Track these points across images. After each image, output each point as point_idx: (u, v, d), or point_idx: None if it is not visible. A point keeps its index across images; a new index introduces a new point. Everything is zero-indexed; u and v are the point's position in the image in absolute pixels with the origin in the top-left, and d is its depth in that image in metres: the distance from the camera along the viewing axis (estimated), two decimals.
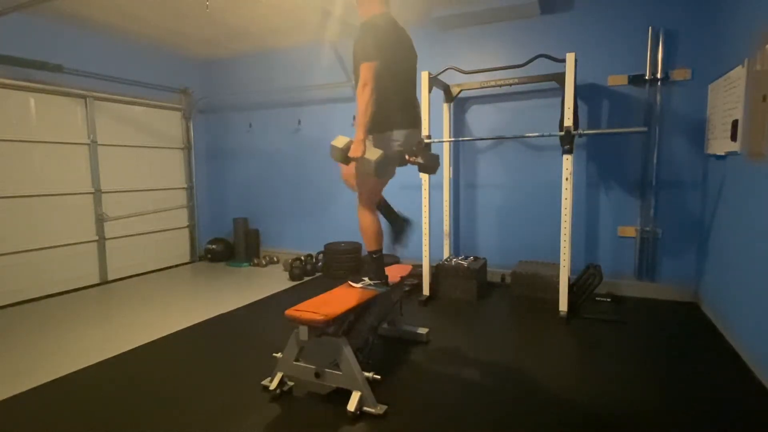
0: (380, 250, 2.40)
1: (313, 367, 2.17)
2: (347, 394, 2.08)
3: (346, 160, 2.18)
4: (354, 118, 4.93)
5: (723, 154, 2.98)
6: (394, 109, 2.22)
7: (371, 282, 2.44)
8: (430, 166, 2.43)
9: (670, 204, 3.68)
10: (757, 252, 2.39)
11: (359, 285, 2.43)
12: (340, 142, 2.19)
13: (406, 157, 2.31)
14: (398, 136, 2.24)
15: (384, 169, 2.16)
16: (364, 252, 4.81)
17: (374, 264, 2.44)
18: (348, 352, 2.10)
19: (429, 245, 3.82)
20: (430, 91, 3.76)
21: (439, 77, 3.91)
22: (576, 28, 3.85)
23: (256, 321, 3.47)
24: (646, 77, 3.60)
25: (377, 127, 2.20)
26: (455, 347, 2.86)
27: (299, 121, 5.28)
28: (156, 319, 3.49)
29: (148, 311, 3.72)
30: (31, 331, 3.28)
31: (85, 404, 2.24)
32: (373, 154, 2.11)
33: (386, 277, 2.49)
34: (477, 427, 1.98)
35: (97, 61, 4.55)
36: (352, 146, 2.12)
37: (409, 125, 2.30)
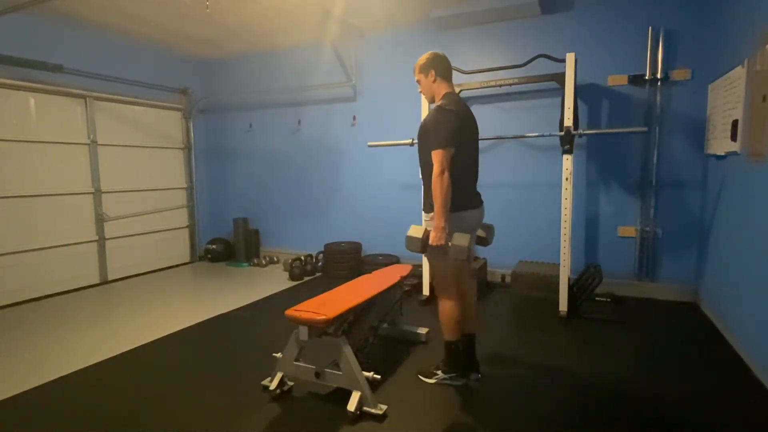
0: (456, 342, 2.29)
1: (313, 367, 2.17)
2: (347, 394, 2.07)
3: (425, 249, 2.14)
4: (354, 118, 4.93)
5: (723, 154, 2.98)
6: (466, 191, 2.22)
7: (445, 375, 2.34)
8: (489, 239, 2.45)
9: (670, 204, 3.68)
10: (757, 252, 2.39)
11: (433, 380, 2.34)
12: (416, 231, 2.16)
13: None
14: (471, 215, 2.22)
15: (471, 253, 2.14)
16: (365, 253, 4.84)
17: (447, 355, 2.34)
18: (348, 352, 2.10)
19: None
20: None
21: None
22: (576, 28, 3.85)
23: (256, 321, 3.47)
24: (646, 77, 3.60)
25: (456, 207, 2.13)
26: None
27: (299, 121, 5.28)
28: (156, 319, 3.49)
29: (148, 311, 3.72)
30: (31, 331, 3.28)
31: (85, 404, 2.24)
32: (462, 239, 2.07)
33: (461, 368, 2.35)
34: (477, 427, 1.98)
35: (97, 61, 4.55)
36: (433, 234, 2.07)
37: (479, 204, 2.30)
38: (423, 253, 2.18)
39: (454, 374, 2.35)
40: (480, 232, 2.41)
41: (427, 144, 2.12)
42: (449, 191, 2.04)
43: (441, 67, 2.25)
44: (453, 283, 2.26)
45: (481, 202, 2.33)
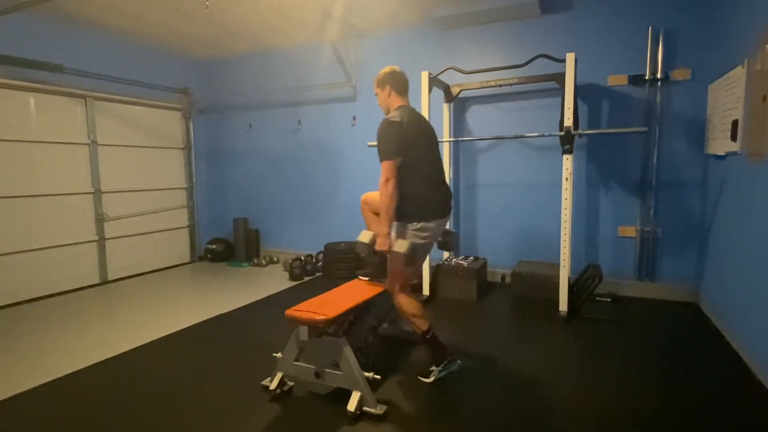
0: (430, 329, 2.36)
1: (313, 367, 2.17)
2: (347, 394, 2.07)
3: (374, 252, 2.28)
4: (354, 117, 4.93)
5: (723, 154, 2.98)
6: (422, 201, 2.27)
7: (439, 367, 2.39)
8: (450, 244, 2.61)
9: (670, 204, 3.68)
10: (758, 252, 2.39)
11: (431, 378, 2.38)
12: (365, 237, 2.33)
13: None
14: (431, 224, 2.28)
15: (414, 258, 2.26)
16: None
17: (430, 346, 2.41)
18: (348, 352, 2.10)
19: None
20: (430, 91, 3.76)
21: (439, 77, 3.91)
22: (576, 28, 3.85)
23: (256, 321, 3.47)
24: (646, 77, 3.60)
25: (409, 217, 2.26)
26: (455, 347, 2.86)
27: (299, 121, 5.28)
28: (156, 319, 3.49)
29: (148, 311, 3.72)
30: (31, 331, 3.28)
31: (85, 404, 2.24)
32: (401, 246, 2.20)
33: (449, 353, 2.43)
34: (477, 427, 1.98)
35: (97, 61, 4.55)
36: (378, 240, 2.22)
37: (441, 215, 2.34)
38: (372, 255, 2.32)
39: (445, 362, 2.40)
40: (439, 237, 2.49)
41: (380, 155, 2.22)
42: (393, 200, 2.15)
43: (395, 83, 2.35)
44: (407, 283, 2.41)
45: (444, 213, 2.36)
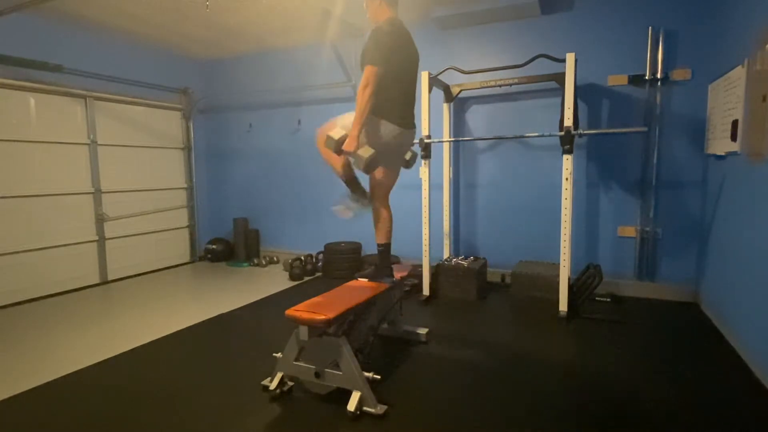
0: (389, 245, 2.65)
1: (313, 367, 2.17)
2: (347, 394, 2.07)
3: (339, 151, 2.32)
4: None
5: (723, 154, 2.98)
6: (394, 108, 2.34)
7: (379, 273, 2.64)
8: (410, 162, 2.74)
9: (670, 204, 3.68)
10: (758, 252, 2.39)
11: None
12: (336, 134, 2.32)
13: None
14: (395, 130, 2.36)
15: (374, 166, 2.32)
16: (365, 253, 4.84)
17: (382, 259, 2.67)
18: (348, 352, 2.10)
19: (429, 245, 3.82)
20: (430, 91, 3.76)
21: (439, 77, 3.91)
22: (576, 28, 3.85)
23: (256, 321, 3.47)
24: (646, 77, 3.60)
25: (379, 114, 2.31)
26: (455, 347, 2.86)
27: (299, 121, 5.28)
28: (156, 319, 3.49)
29: (148, 311, 3.72)
30: (31, 331, 3.28)
31: (85, 404, 2.24)
32: (366, 151, 2.24)
33: (390, 269, 2.71)
34: (477, 427, 1.98)
35: (97, 61, 4.55)
36: (347, 141, 2.25)
37: (407, 126, 2.43)
38: (338, 154, 2.35)
39: (383, 275, 2.65)
40: (407, 155, 2.67)
41: (363, 62, 2.25)
42: (368, 106, 2.19)
43: None
44: (386, 190, 2.63)
45: (410, 125, 2.46)
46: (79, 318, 3.57)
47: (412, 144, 2.62)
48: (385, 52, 2.21)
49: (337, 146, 2.30)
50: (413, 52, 2.47)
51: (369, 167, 2.26)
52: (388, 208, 2.65)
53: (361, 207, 2.64)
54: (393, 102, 2.34)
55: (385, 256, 2.69)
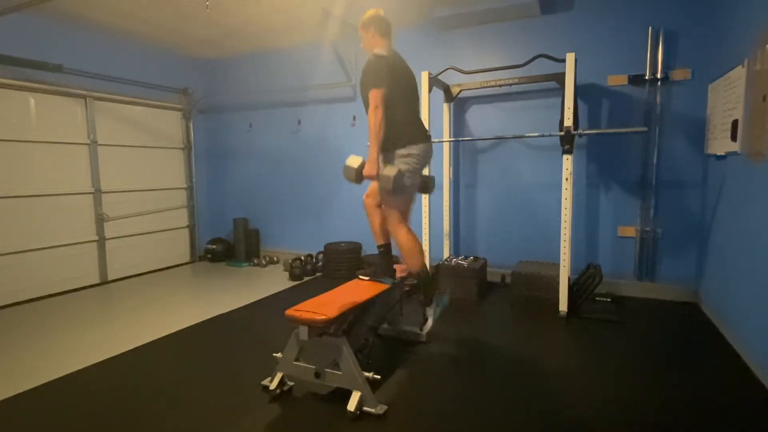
0: (424, 269, 2.49)
1: (313, 367, 2.17)
2: (347, 394, 2.07)
3: (360, 179, 2.32)
4: (354, 118, 4.93)
5: (723, 154, 2.98)
6: (407, 127, 2.41)
7: (431, 308, 2.54)
8: (428, 186, 2.72)
9: (670, 204, 3.68)
10: (757, 252, 2.39)
11: (430, 322, 2.51)
12: (353, 162, 2.35)
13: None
14: (416, 149, 2.40)
15: (402, 185, 2.29)
16: (365, 253, 4.84)
17: (423, 286, 2.52)
18: (348, 352, 2.10)
19: (429, 245, 3.82)
20: (430, 91, 3.76)
21: (439, 77, 3.91)
22: (576, 28, 3.85)
23: (256, 321, 3.47)
24: (646, 77, 3.60)
25: (395, 144, 2.37)
26: (455, 347, 2.86)
27: (299, 121, 5.28)
28: (156, 319, 3.49)
29: (148, 311, 3.72)
30: (31, 331, 3.28)
31: (85, 404, 2.24)
32: (390, 170, 2.24)
33: (437, 288, 2.58)
34: (477, 427, 1.98)
35: (97, 61, 4.55)
36: (366, 165, 2.28)
37: (424, 140, 2.47)
38: (358, 182, 2.38)
39: (434, 303, 2.57)
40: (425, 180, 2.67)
41: (366, 90, 2.34)
42: (382, 126, 2.26)
43: (379, 25, 2.48)
44: (405, 213, 2.51)
45: (427, 138, 2.51)
46: (79, 318, 3.57)
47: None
48: (385, 76, 2.30)
49: (357, 174, 2.32)
50: (410, 75, 2.54)
51: (397, 185, 2.24)
52: (405, 231, 2.46)
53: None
54: (409, 123, 2.42)
55: (386, 256, 2.68)
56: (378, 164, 2.29)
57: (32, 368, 2.64)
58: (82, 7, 3.88)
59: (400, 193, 2.34)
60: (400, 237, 2.45)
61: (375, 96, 2.26)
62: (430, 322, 2.42)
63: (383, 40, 2.49)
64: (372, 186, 2.61)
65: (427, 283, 2.52)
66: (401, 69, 2.47)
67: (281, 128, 5.41)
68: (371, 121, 2.26)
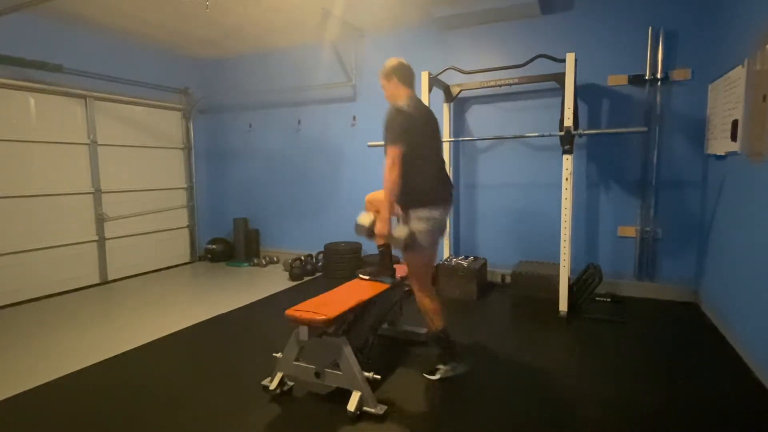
0: (445, 329, 2.39)
1: (313, 367, 2.17)
2: (347, 394, 2.08)
3: (372, 236, 2.30)
4: (354, 117, 4.93)
5: (723, 154, 2.98)
6: (426, 189, 2.27)
7: (447, 367, 2.41)
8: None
9: (670, 204, 3.68)
10: (758, 252, 2.39)
11: (437, 376, 2.40)
12: (365, 219, 2.32)
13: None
14: (435, 213, 2.27)
15: (414, 246, 2.23)
16: (365, 253, 4.84)
17: (441, 346, 2.42)
18: (348, 352, 2.10)
19: None
20: (430, 91, 3.76)
21: (439, 77, 3.91)
22: (576, 28, 3.85)
23: (256, 321, 3.47)
24: (646, 77, 3.60)
25: (412, 204, 2.25)
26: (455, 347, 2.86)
27: (299, 121, 5.28)
28: (156, 319, 3.49)
29: (148, 311, 3.72)
30: (31, 331, 3.28)
31: (84, 404, 2.24)
32: (401, 231, 2.21)
33: (459, 354, 2.44)
34: (477, 427, 1.98)
35: (97, 61, 4.55)
36: (378, 224, 2.24)
37: (443, 202, 2.35)
38: (370, 238, 2.34)
39: (454, 363, 2.40)
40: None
41: (384, 142, 2.24)
42: (396, 185, 2.16)
43: (401, 74, 2.37)
44: (424, 276, 2.39)
45: (449, 200, 2.40)
46: (79, 318, 3.57)
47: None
48: (405, 133, 2.17)
49: (369, 232, 2.29)
50: (434, 127, 2.42)
51: (408, 246, 2.22)
52: (429, 300, 2.36)
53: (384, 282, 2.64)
54: (428, 185, 2.28)
55: (387, 256, 2.67)
56: (390, 224, 2.21)
57: (32, 368, 2.64)
58: (82, 7, 3.88)
59: (412, 253, 2.28)
60: (424, 304, 2.37)
61: (392, 154, 2.15)
62: (436, 376, 2.41)
63: (407, 90, 2.37)
64: (372, 194, 2.61)
65: (446, 344, 2.41)
66: (423, 123, 2.32)
67: (281, 128, 5.41)
68: (386, 178, 2.15)
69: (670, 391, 2.24)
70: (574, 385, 2.35)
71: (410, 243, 2.21)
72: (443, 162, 2.44)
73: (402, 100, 2.30)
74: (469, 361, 2.46)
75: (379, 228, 2.22)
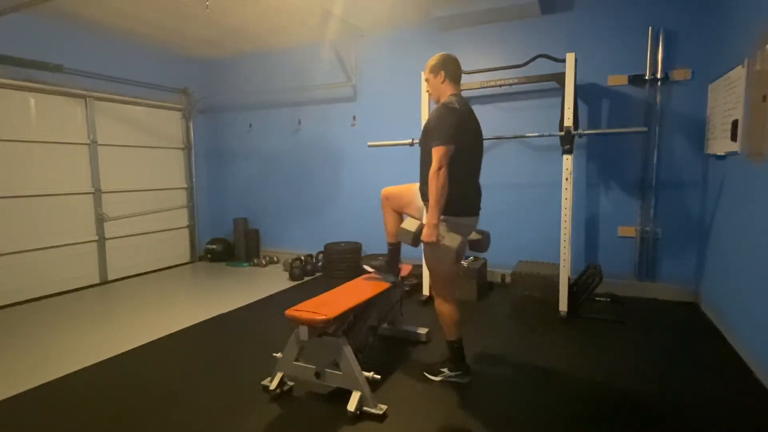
0: (460, 340, 2.33)
1: (313, 367, 2.17)
2: (347, 394, 2.08)
3: (417, 243, 2.15)
4: (354, 117, 4.93)
5: (723, 154, 2.98)
6: (463, 197, 2.19)
7: (451, 373, 2.36)
8: (485, 245, 2.55)
9: (670, 204, 3.68)
10: (757, 252, 2.39)
11: (439, 378, 2.37)
12: (411, 225, 2.17)
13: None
14: (464, 221, 2.22)
15: (436, 246, 2.14)
16: (365, 253, 4.84)
17: (452, 354, 2.36)
18: (348, 352, 2.10)
19: None
20: None
21: None
22: (576, 28, 3.85)
23: (256, 321, 3.47)
24: (646, 77, 3.60)
25: (450, 210, 2.12)
26: None
27: (299, 121, 5.28)
28: (156, 319, 3.49)
29: (148, 311, 3.72)
30: (31, 331, 3.28)
31: (85, 404, 2.24)
32: (453, 241, 2.10)
33: (467, 366, 2.37)
34: (477, 427, 1.98)
35: (97, 61, 4.55)
36: (425, 230, 2.09)
37: (474, 212, 2.29)
38: (415, 246, 2.20)
39: (459, 372, 2.36)
40: (474, 235, 2.46)
41: (429, 141, 2.10)
42: (445, 188, 2.03)
43: (450, 70, 2.26)
44: (448, 284, 2.33)
45: (478, 209, 2.33)
46: (79, 318, 3.57)
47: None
48: (456, 133, 2.06)
49: (415, 239, 2.14)
50: (479, 135, 2.31)
51: (417, 242, 2.14)
52: (449, 307, 2.29)
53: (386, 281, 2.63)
54: (466, 193, 2.21)
55: (395, 254, 2.65)
56: (438, 230, 2.09)
57: (32, 368, 2.64)
58: (82, 7, 3.88)
59: (445, 260, 2.20)
60: (443, 310, 2.30)
61: (439, 155, 2.01)
62: (438, 378, 2.40)
63: (455, 88, 2.25)
64: (391, 190, 2.52)
65: (457, 354, 2.36)
66: (474, 128, 2.23)
67: (281, 128, 5.41)
68: (433, 183, 2.01)
69: (669, 392, 2.24)
70: (573, 385, 2.35)
71: (420, 238, 2.12)
72: (480, 169, 2.34)
73: (450, 98, 2.18)
74: (472, 372, 2.40)
75: (427, 234, 2.07)
